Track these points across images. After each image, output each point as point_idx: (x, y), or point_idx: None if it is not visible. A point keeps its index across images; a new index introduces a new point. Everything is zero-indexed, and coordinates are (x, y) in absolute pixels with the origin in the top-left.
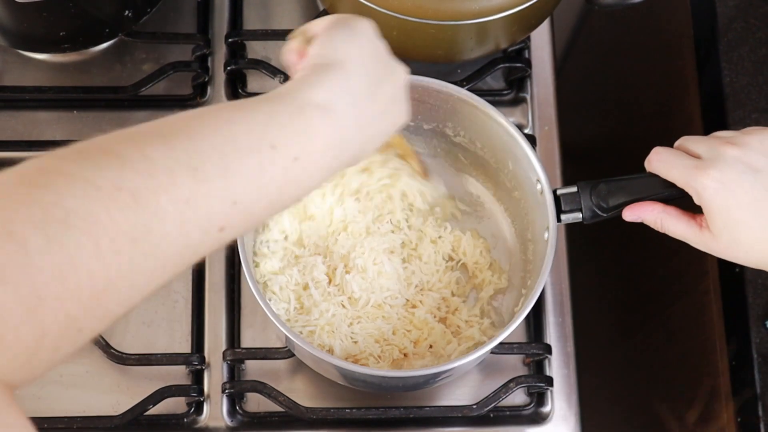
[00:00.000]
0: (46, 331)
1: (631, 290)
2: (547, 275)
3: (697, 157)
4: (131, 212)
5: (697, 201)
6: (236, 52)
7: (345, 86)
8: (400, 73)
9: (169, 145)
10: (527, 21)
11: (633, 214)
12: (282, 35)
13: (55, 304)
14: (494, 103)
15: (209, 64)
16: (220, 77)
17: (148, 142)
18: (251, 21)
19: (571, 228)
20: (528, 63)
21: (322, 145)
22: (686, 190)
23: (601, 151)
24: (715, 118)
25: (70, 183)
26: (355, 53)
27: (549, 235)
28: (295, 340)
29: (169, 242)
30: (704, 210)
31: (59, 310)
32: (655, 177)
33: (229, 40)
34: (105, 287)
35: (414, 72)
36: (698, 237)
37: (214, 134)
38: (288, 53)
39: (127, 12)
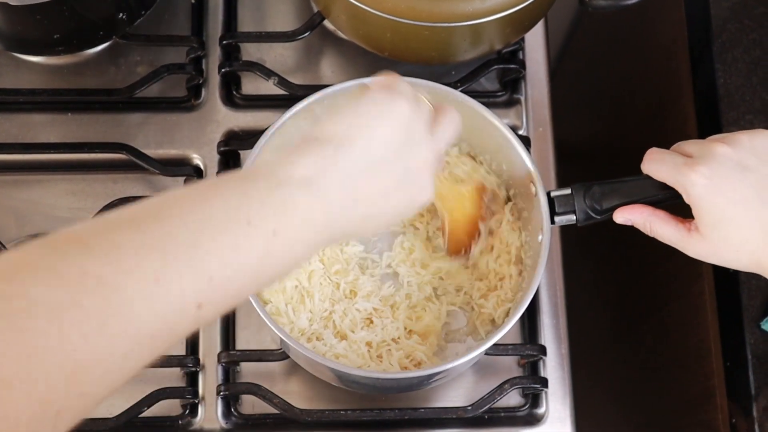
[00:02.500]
0: (19, 415)
1: (626, 292)
2: (541, 277)
3: (688, 156)
4: (97, 296)
5: (686, 199)
6: (231, 54)
7: (333, 163)
8: (421, 152)
9: (137, 229)
10: (521, 23)
11: (622, 216)
12: (276, 37)
13: (24, 388)
14: (488, 105)
15: (203, 66)
16: (214, 79)
17: (117, 229)
18: (246, 23)
19: (566, 230)
20: (522, 64)
21: (302, 221)
22: (676, 188)
23: (596, 152)
24: (710, 119)
25: (34, 273)
26: (358, 132)
27: (543, 236)
28: (288, 342)
29: (140, 323)
30: (693, 208)
31: (30, 394)
32: (648, 179)
33: (224, 42)
34: (75, 370)
35: (407, 73)
36: (686, 240)
37: (185, 214)
38: None
39: (121, 14)
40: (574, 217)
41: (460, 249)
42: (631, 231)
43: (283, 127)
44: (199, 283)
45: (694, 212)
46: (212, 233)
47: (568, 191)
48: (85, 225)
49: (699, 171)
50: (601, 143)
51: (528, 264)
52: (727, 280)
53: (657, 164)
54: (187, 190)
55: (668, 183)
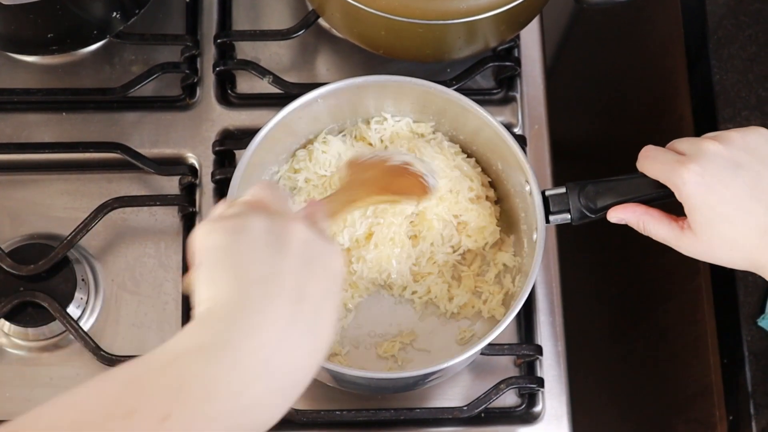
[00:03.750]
0: None
1: (623, 290)
2: (536, 276)
3: (681, 154)
4: None
5: (678, 197)
6: (225, 52)
7: (233, 326)
8: (292, 231)
9: None
10: (516, 20)
11: (616, 215)
12: (271, 36)
13: None
14: (484, 102)
15: (198, 65)
16: (209, 78)
17: None
18: (240, 22)
19: (562, 228)
20: (518, 62)
21: (204, 392)
22: (668, 185)
23: (593, 150)
24: (706, 116)
25: None
26: (244, 277)
27: (537, 235)
28: None
29: None
30: (685, 206)
31: None
32: (643, 178)
33: (218, 40)
34: None
35: (403, 72)
36: (680, 239)
37: (59, 419)
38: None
39: (115, 13)
40: (569, 216)
41: (420, 187)
42: (627, 229)
43: (278, 125)
44: None
45: (687, 210)
46: None
47: (562, 190)
48: None
49: (691, 169)
50: (598, 142)
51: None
52: (723, 277)
53: (651, 162)
54: (70, 393)
55: (661, 181)
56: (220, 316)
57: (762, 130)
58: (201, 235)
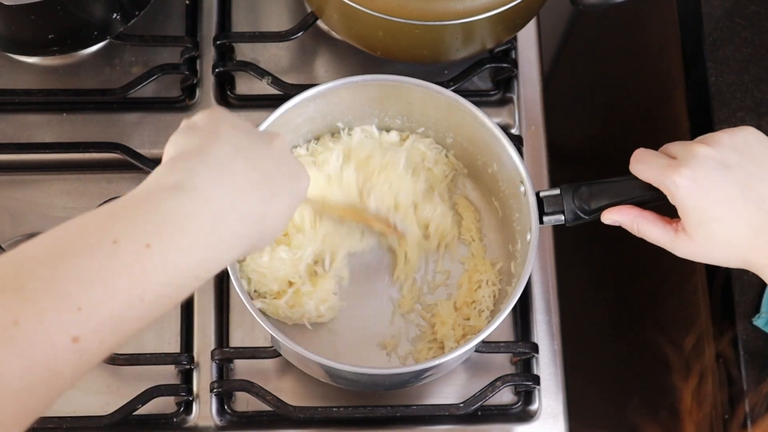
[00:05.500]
0: None
1: (620, 289)
2: (528, 275)
3: (673, 158)
4: None
5: (671, 200)
6: (225, 54)
7: (202, 161)
8: (275, 139)
9: None
10: (513, 21)
11: (610, 217)
12: (270, 37)
13: None
14: (481, 104)
15: (198, 66)
16: (208, 79)
17: None
18: (239, 23)
19: (559, 228)
20: (514, 63)
21: (179, 225)
22: (661, 189)
23: (591, 153)
24: (702, 118)
25: None
26: (210, 134)
27: (531, 236)
28: (278, 338)
29: (5, 370)
30: (678, 209)
31: None
32: (636, 180)
33: (218, 42)
34: None
35: (400, 73)
36: (673, 241)
37: (43, 249)
38: None
39: (115, 15)
40: (563, 217)
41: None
42: (624, 229)
43: (273, 125)
44: (66, 316)
45: (680, 213)
46: (73, 261)
47: (557, 191)
48: None
49: (681, 172)
50: (596, 144)
51: (517, 263)
52: (719, 277)
53: (643, 165)
54: (54, 229)
55: (654, 184)
56: (190, 158)
57: (751, 129)
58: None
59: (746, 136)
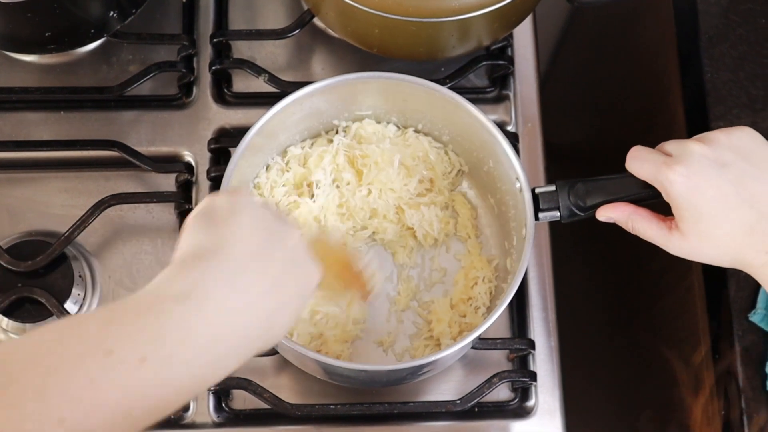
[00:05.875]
0: None
1: (617, 286)
2: (524, 272)
3: (669, 155)
4: None
5: (665, 198)
6: (221, 52)
7: (212, 271)
8: (290, 236)
9: None
10: (508, 18)
11: (605, 214)
12: (266, 35)
13: None
14: (477, 101)
15: (194, 64)
16: (205, 77)
17: None
18: (236, 21)
19: (556, 224)
20: (511, 60)
21: (180, 338)
22: (656, 186)
23: (587, 150)
24: (698, 115)
25: None
26: (224, 235)
27: (526, 232)
28: None
29: None
30: (672, 206)
31: None
32: (631, 177)
33: (214, 40)
34: None
35: (397, 70)
36: (667, 238)
37: (34, 356)
38: None
39: (112, 13)
40: (558, 214)
41: (363, 290)
42: (621, 226)
43: (269, 122)
44: (47, 427)
45: (674, 210)
46: (63, 372)
47: (552, 188)
48: None
49: (676, 170)
50: (593, 141)
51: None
52: (715, 273)
53: (638, 162)
54: (46, 328)
55: (649, 181)
56: (203, 263)
57: (747, 129)
58: (198, 205)
59: (742, 135)
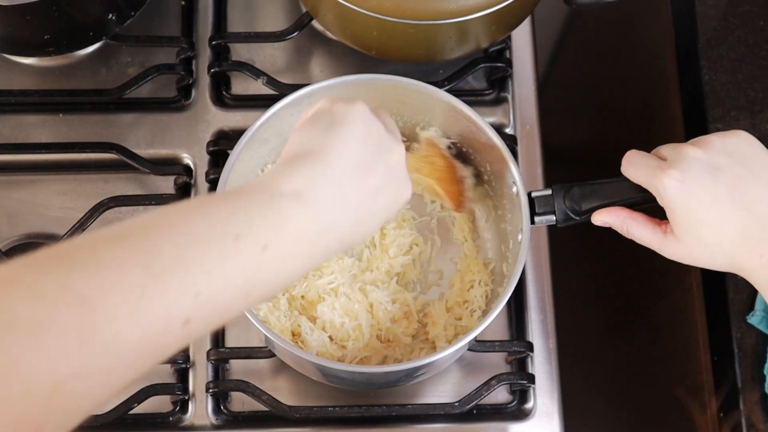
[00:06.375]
0: None
1: (615, 288)
2: (519, 275)
3: (664, 160)
4: (77, 312)
5: (660, 201)
6: (220, 54)
7: (321, 173)
8: (394, 152)
9: (122, 245)
10: (506, 20)
11: (600, 218)
12: (265, 37)
13: (2, 407)
14: (476, 103)
15: (193, 66)
16: (204, 79)
17: (101, 245)
18: (235, 24)
19: (554, 227)
20: (509, 63)
21: (295, 233)
22: (650, 190)
23: (584, 150)
24: (696, 116)
25: (15, 289)
26: (335, 140)
27: (522, 236)
28: (271, 337)
29: (123, 340)
30: (667, 210)
31: (9, 412)
32: (627, 182)
33: (213, 42)
34: (56, 387)
35: (395, 72)
36: (662, 242)
37: (171, 230)
38: None
39: (111, 15)
40: (554, 218)
41: (460, 199)
42: None
43: (266, 124)
44: (185, 299)
45: (668, 215)
46: (199, 248)
47: (548, 192)
48: (71, 241)
49: (670, 174)
50: (591, 143)
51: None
52: (714, 275)
53: (633, 167)
54: (176, 206)
55: (643, 186)
56: (313, 163)
57: (742, 133)
58: (314, 106)
59: (737, 140)
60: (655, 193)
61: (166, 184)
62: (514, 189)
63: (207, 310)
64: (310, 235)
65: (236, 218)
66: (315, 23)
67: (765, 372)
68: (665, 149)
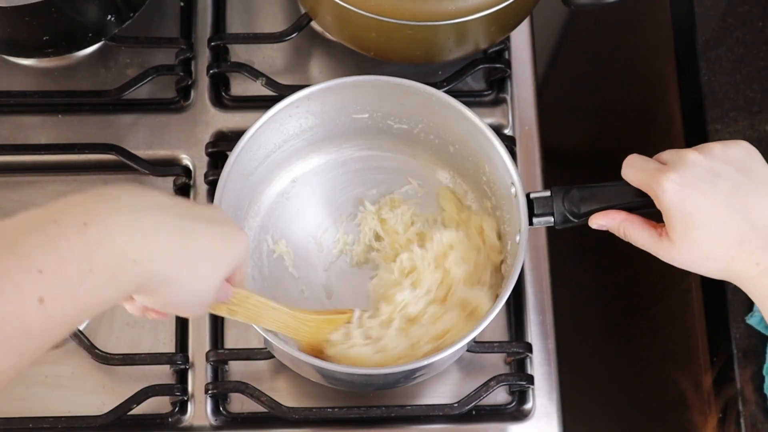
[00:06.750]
0: None
1: (615, 289)
2: (517, 276)
3: (664, 164)
4: None
5: (657, 204)
6: (219, 55)
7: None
8: (240, 239)
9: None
10: (505, 21)
11: (597, 222)
12: (264, 39)
13: None
14: (475, 104)
15: (192, 67)
16: (203, 80)
17: None
18: (234, 25)
19: (553, 227)
20: (508, 64)
21: (115, 207)
22: (648, 193)
23: (584, 151)
24: (695, 117)
25: None
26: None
27: (520, 237)
28: (269, 338)
29: None
30: (663, 214)
31: None
32: (626, 185)
33: (212, 43)
34: None
35: (394, 74)
36: (658, 245)
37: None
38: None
39: (110, 16)
40: (552, 220)
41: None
42: None
43: (265, 126)
44: (31, 276)
45: (665, 218)
46: (27, 233)
47: (547, 194)
48: None
49: (669, 177)
50: (590, 144)
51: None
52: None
53: (633, 170)
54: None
55: (642, 189)
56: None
57: (744, 143)
58: None
59: (739, 149)
60: (653, 196)
61: (165, 185)
62: (513, 190)
63: (55, 287)
64: (130, 210)
65: (49, 210)
66: (314, 24)
67: (764, 372)
68: (666, 154)
